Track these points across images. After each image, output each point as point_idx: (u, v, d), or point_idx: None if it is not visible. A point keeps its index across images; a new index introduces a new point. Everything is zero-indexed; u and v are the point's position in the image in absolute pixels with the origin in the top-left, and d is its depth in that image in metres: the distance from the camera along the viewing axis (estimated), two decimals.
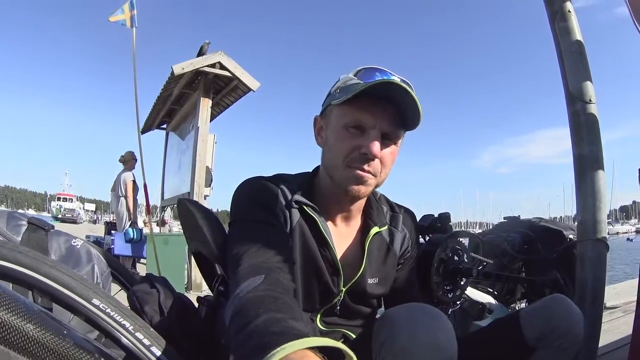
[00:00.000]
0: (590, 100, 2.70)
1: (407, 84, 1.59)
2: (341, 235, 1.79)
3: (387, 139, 1.62)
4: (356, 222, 1.85)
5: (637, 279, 2.70)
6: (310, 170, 1.88)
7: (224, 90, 10.20)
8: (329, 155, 1.69)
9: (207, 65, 9.03)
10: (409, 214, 2.01)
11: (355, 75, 1.66)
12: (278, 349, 0.85)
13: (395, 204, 2.00)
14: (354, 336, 1.77)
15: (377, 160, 1.60)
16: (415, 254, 1.99)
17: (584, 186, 2.69)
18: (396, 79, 1.57)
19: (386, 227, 1.87)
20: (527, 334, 1.63)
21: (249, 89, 9.69)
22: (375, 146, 1.55)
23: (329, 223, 1.77)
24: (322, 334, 1.72)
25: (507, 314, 2.43)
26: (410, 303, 1.42)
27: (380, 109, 1.56)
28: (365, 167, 1.59)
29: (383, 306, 1.95)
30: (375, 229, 1.80)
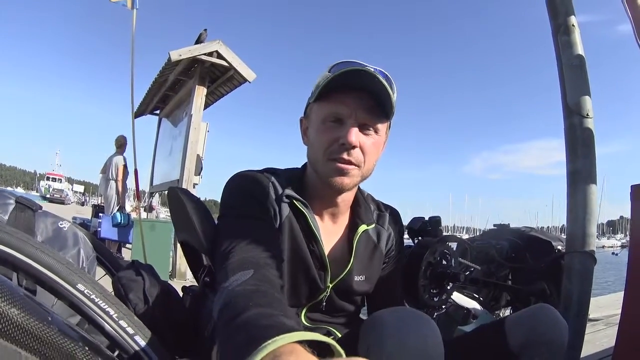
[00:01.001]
0: (587, 115, 2.72)
1: (384, 74, 1.61)
2: (329, 231, 1.80)
3: (366, 128, 1.62)
4: (344, 219, 1.86)
5: (622, 292, 2.72)
6: (300, 166, 1.89)
7: (219, 79, 10.16)
8: (312, 150, 1.71)
9: (205, 54, 9.00)
10: (395, 213, 2.02)
11: (329, 72, 1.65)
12: (269, 341, 0.84)
13: (382, 203, 2.01)
14: (338, 333, 1.76)
15: (357, 150, 1.60)
16: (397, 254, 2.00)
17: (576, 199, 2.71)
18: (368, 68, 1.58)
19: (373, 225, 1.88)
20: (511, 341, 1.62)
21: (245, 80, 9.68)
22: (352, 134, 1.55)
23: (317, 219, 1.77)
24: (306, 330, 1.71)
25: (492, 321, 2.43)
26: (399, 307, 1.42)
27: (354, 99, 1.57)
28: (345, 156, 1.59)
29: (366, 305, 1.95)
30: (363, 227, 1.81)
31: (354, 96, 1.57)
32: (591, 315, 5.34)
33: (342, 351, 0.89)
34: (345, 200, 1.80)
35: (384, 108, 1.61)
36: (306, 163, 1.83)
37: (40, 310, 1.06)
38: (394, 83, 1.64)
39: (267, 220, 1.63)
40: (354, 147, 1.58)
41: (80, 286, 1.28)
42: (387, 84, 1.56)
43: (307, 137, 1.77)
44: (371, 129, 1.63)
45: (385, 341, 1.26)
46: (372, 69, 1.58)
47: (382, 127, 1.67)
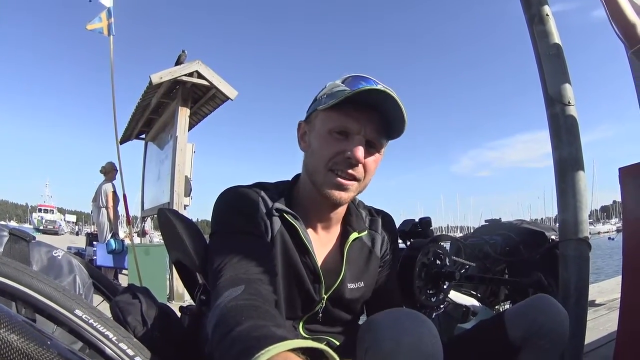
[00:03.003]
0: (569, 102, 2.72)
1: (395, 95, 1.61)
2: (322, 242, 1.79)
3: (371, 147, 1.63)
4: (336, 229, 1.85)
5: (620, 276, 2.74)
6: (290, 179, 1.87)
7: (202, 99, 10.23)
8: (312, 159, 1.69)
9: (185, 75, 9.05)
10: (387, 217, 2.02)
11: (342, 82, 1.65)
12: (263, 351, 0.86)
13: (373, 208, 2.01)
14: (337, 343, 1.75)
15: (360, 166, 1.60)
16: (393, 257, 1.99)
17: (565, 187, 2.71)
18: (387, 90, 1.57)
19: (366, 232, 1.88)
20: (512, 334, 1.62)
21: (227, 98, 9.74)
22: (360, 151, 1.55)
23: (310, 230, 1.76)
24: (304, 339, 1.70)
25: (492, 315, 2.43)
26: (394, 308, 1.41)
27: (365, 116, 1.57)
28: (349, 171, 1.59)
29: (365, 313, 1.95)
30: (354, 235, 1.81)
31: (366, 113, 1.57)
32: (595, 301, 5.37)
33: (335, 356, 0.89)
34: (338, 211, 1.80)
35: (390, 128, 1.63)
36: (297, 175, 1.84)
37: (39, 336, 1.07)
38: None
39: (258, 235, 1.62)
40: (359, 163, 1.59)
41: (78, 312, 1.28)
42: (401, 104, 1.56)
43: (305, 143, 1.76)
44: (376, 147, 1.64)
45: (383, 342, 1.26)
46: (388, 90, 1.58)
47: (384, 146, 1.69)
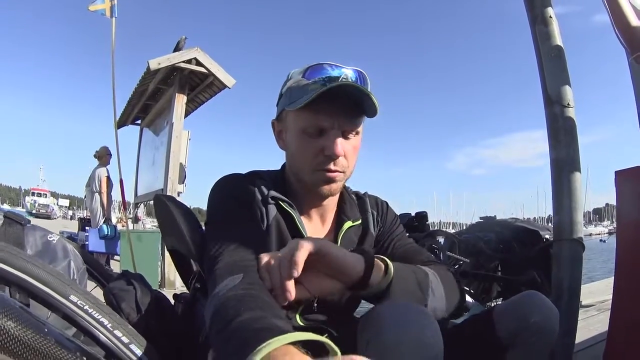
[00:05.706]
0: (568, 104, 2.73)
1: (361, 74, 1.61)
2: (317, 230, 1.79)
3: (348, 134, 1.62)
4: (331, 216, 1.85)
5: (612, 278, 2.75)
6: (280, 168, 1.87)
7: (199, 86, 10.16)
8: (294, 161, 1.70)
9: (183, 61, 8.98)
10: (372, 196, 2.00)
11: (302, 76, 1.62)
12: (264, 344, 0.86)
13: (358, 192, 2.00)
14: (333, 332, 1.73)
15: (341, 158, 1.59)
16: (395, 230, 1.95)
17: (561, 188, 2.72)
18: (347, 71, 1.58)
19: (359, 221, 1.86)
20: (501, 329, 1.61)
21: (225, 86, 9.69)
22: (338, 146, 1.55)
23: (305, 219, 1.76)
24: (302, 330, 1.69)
25: (482, 311, 2.45)
26: (395, 302, 1.41)
27: (336, 108, 1.55)
28: (332, 167, 1.59)
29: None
30: (348, 224, 1.80)
31: (335, 105, 1.55)
32: (584, 302, 5.39)
33: (337, 349, 0.89)
34: (331, 200, 1.79)
35: (365, 112, 1.61)
36: (285, 164, 1.83)
37: (36, 323, 1.06)
38: (368, 79, 1.64)
39: (254, 223, 1.62)
40: (339, 157, 1.58)
41: (73, 297, 1.27)
42: (366, 86, 1.56)
43: (283, 142, 1.76)
44: (352, 133, 1.63)
45: (385, 334, 1.26)
46: (352, 71, 1.59)
47: (360, 128, 1.67)
